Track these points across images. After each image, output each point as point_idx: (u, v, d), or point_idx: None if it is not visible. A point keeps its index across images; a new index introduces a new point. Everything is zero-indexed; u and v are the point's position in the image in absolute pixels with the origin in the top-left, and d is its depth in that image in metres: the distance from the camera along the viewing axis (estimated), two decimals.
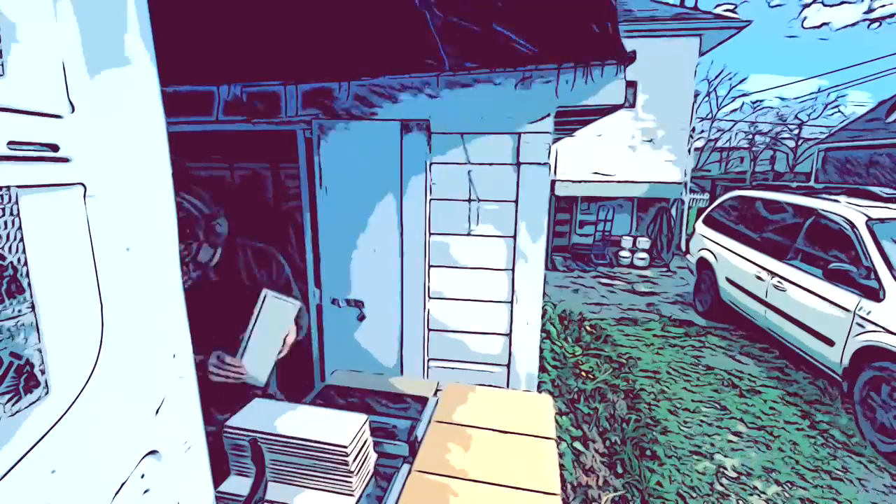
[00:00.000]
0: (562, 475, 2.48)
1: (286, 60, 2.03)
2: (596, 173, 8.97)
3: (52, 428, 0.50)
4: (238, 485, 1.23)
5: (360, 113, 2.19)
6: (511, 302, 2.24)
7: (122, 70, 0.58)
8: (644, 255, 9.13)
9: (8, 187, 0.45)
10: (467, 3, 1.48)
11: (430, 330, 2.35)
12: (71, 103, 0.51)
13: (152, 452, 0.64)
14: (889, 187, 4.72)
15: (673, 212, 9.35)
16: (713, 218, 6.17)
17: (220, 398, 1.50)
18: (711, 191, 13.58)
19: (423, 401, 1.81)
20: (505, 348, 2.30)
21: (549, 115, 2.06)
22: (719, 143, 25.04)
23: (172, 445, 0.67)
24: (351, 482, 1.22)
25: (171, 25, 1.00)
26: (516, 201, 2.15)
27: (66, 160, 0.51)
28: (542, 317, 3.41)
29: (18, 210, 0.46)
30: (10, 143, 0.45)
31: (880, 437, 3.24)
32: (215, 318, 1.38)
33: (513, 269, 2.21)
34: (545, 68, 1.99)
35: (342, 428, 1.25)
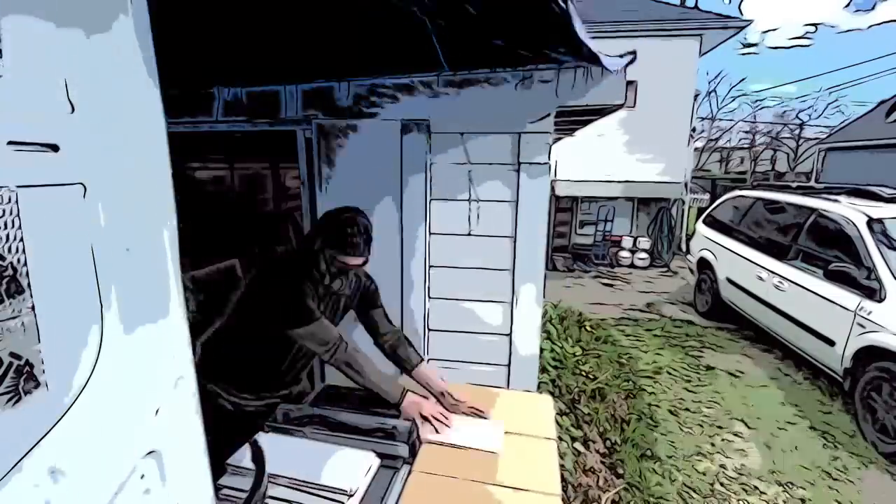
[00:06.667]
0: (562, 475, 2.48)
1: (286, 62, 2.03)
2: (596, 173, 8.96)
3: (52, 428, 0.50)
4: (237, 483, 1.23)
5: (360, 113, 2.19)
6: (511, 302, 2.24)
7: (122, 70, 0.58)
8: (644, 255, 9.13)
9: (8, 187, 0.45)
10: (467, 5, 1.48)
11: (430, 330, 2.34)
12: (71, 103, 0.51)
13: (152, 452, 0.63)
14: (889, 187, 4.71)
15: (673, 212, 9.35)
16: (714, 218, 6.17)
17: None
18: (711, 191, 13.54)
19: None
20: (505, 348, 2.29)
21: (549, 115, 2.05)
22: (719, 143, 25.01)
23: (172, 445, 0.67)
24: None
25: (171, 27, 1.00)
26: (516, 201, 2.15)
27: (65, 160, 0.51)
28: (542, 317, 3.41)
29: (18, 210, 0.46)
30: (10, 143, 0.45)
31: (881, 437, 3.23)
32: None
33: (513, 269, 2.21)
34: (545, 68, 1.99)
35: (350, 469, 1.28)
